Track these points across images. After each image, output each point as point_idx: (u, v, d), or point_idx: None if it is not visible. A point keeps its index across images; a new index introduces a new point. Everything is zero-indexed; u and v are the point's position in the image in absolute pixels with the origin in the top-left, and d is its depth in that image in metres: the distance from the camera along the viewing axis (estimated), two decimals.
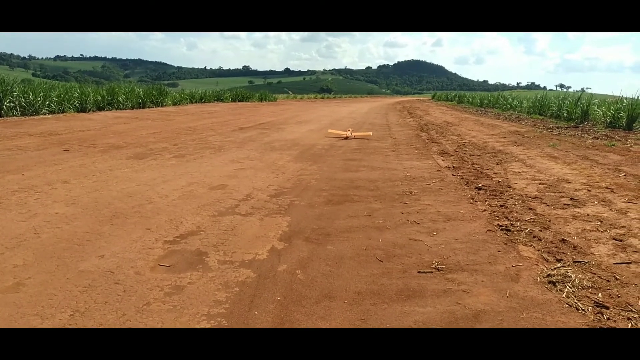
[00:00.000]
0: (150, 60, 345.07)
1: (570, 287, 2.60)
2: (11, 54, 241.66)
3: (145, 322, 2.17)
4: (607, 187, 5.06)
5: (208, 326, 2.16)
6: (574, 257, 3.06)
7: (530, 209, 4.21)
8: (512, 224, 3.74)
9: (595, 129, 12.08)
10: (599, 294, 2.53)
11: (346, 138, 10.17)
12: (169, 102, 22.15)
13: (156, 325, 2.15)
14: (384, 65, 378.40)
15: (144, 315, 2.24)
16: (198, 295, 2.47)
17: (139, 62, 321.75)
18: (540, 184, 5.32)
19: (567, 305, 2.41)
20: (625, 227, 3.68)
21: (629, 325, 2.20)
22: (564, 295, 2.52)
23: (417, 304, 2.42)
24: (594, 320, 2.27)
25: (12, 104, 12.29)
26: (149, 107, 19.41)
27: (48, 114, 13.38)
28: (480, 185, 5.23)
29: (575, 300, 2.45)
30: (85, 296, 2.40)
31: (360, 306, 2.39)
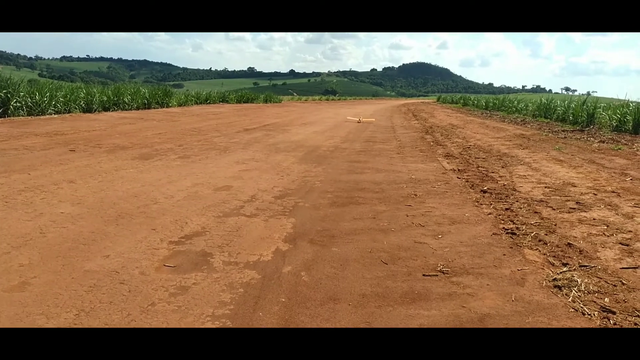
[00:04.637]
0: (155, 61, 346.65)
1: (577, 292, 2.58)
2: (18, 54, 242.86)
3: (150, 323, 2.17)
4: (613, 191, 5.03)
5: (213, 327, 2.16)
6: (580, 261, 3.04)
7: (535, 212, 4.19)
8: (517, 228, 3.73)
9: (601, 132, 12.03)
10: (606, 299, 2.51)
11: (359, 122, 16.20)
12: (174, 103, 22.22)
13: (161, 326, 2.15)
14: (389, 67, 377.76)
15: (148, 315, 2.24)
16: (203, 296, 2.47)
17: (144, 63, 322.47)
18: (545, 187, 5.29)
19: (573, 310, 2.40)
20: (632, 231, 3.66)
21: None
22: (570, 300, 2.50)
23: (422, 307, 2.41)
24: (600, 325, 2.25)
25: (18, 104, 12.35)
26: (154, 108, 19.48)
27: (54, 114, 13.44)
28: (485, 188, 5.21)
29: (582, 305, 2.44)
30: (90, 296, 2.41)
31: (365, 309, 2.38)
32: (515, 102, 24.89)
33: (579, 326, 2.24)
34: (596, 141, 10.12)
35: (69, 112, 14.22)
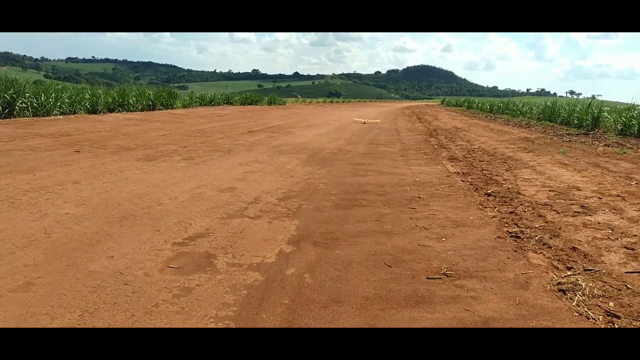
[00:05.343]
0: (160, 63, 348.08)
1: (581, 296, 2.57)
2: (24, 55, 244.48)
3: (154, 324, 2.18)
4: (618, 195, 5.01)
5: (216, 327, 2.16)
6: (585, 265, 3.03)
7: (540, 216, 4.18)
8: (521, 231, 3.71)
9: (606, 136, 11.98)
10: (610, 303, 2.50)
11: (364, 123, 17.26)
12: (179, 105, 22.30)
13: (164, 327, 2.15)
14: (393, 70, 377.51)
15: (152, 316, 2.25)
16: (206, 297, 2.47)
17: (149, 65, 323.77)
18: (550, 191, 5.28)
19: (577, 314, 2.39)
20: (636, 235, 3.64)
21: None
22: (574, 304, 2.49)
23: (426, 310, 2.41)
24: None
25: (24, 105, 12.42)
26: (159, 110, 19.54)
27: (59, 115, 13.50)
28: (489, 191, 5.20)
29: (586, 309, 2.43)
30: (94, 296, 2.42)
31: (368, 311, 2.38)
32: (520, 105, 24.81)
33: None
34: (601, 145, 10.09)
35: (74, 113, 14.28)
